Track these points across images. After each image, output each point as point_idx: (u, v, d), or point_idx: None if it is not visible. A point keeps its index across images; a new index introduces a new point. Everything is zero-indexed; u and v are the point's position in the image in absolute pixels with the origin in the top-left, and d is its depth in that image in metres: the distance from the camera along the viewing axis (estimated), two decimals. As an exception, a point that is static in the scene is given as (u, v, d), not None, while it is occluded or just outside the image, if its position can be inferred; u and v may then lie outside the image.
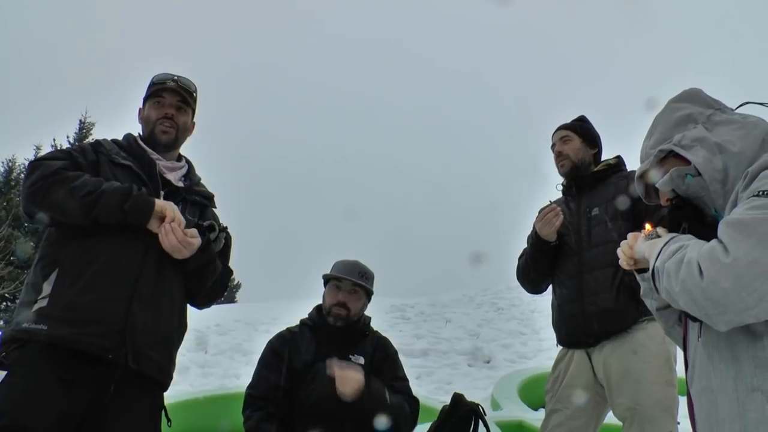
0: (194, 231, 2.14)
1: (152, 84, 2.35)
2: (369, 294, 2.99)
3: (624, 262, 1.69)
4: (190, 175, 2.40)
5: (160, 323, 2.10)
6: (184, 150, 2.47)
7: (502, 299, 11.90)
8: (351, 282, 2.92)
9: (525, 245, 3.06)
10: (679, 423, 2.63)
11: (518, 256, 3.10)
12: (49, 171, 1.98)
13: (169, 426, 2.18)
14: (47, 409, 1.81)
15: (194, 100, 2.40)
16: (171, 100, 2.32)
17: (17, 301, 2.20)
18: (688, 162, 1.55)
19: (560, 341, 2.90)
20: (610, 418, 2.87)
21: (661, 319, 1.74)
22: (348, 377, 2.52)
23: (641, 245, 1.60)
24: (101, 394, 1.91)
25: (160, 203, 2.08)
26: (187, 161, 2.45)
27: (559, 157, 2.95)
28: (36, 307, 1.92)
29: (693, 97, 1.68)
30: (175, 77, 2.33)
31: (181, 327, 2.25)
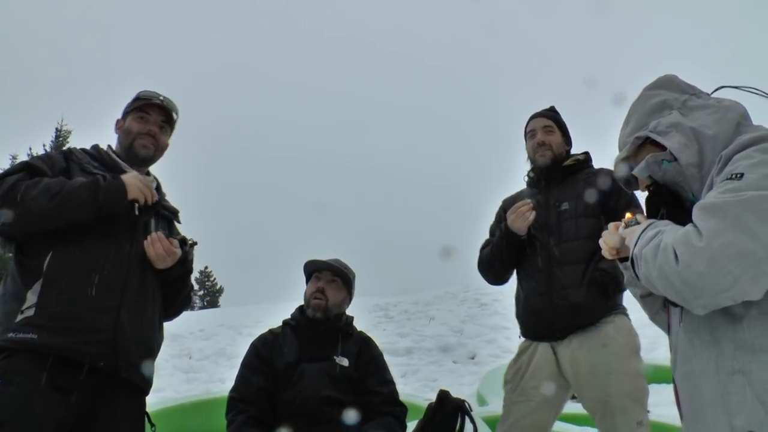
0: (176, 242, 2.19)
1: (137, 98, 2.34)
2: (349, 286, 2.97)
3: (606, 252, 1.69)
4: (158, 188, 2.40)
5: (145, 332, 2.11)
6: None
7: (485, 295, 11.92)
8: (330, 271, 2.91)
9: (487, 236, 3.05)
10: (649, 411, 2.67)
11: (480, 247, 3.06)
12: (6, 188, 1.94)
13: (153, 430, 2.17)
14: (45, 417, 1.81)
15: (175, 122, 2.41)
16: (156, 118, 2.33)
17: None
18: (664, 148, 1.55)
19: (524, 334, 2.90)
20: (571, 407, 2.90)
21: (645, 306, 1.74)
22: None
23: (621, 233, 1.60)
24: (91, 401, 1.92)
25: (128, 180, 2.09)
26: (155, 177, 2.44)
27: (542, 146, 2.89)
28: (21, 317, 1.90)
29: (668, 83, 1.68)
30: (161, 97, 2.34)
31: (161, 335, 2.26)
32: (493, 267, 2.95)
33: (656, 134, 1.58)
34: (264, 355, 2.79)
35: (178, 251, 2.19)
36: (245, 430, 2.60)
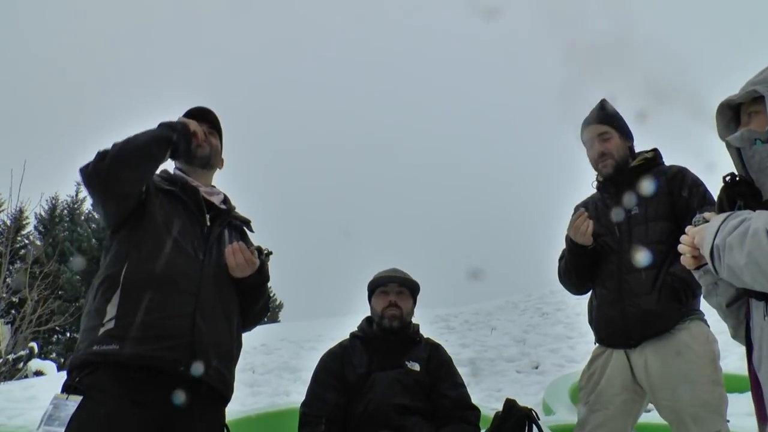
0: (255, 251, 2.27)
1: (185, 114, 2.43)
2: (414, 294, 2.98)
3: (688, 261, 1.60)
4: (227, 201, 2.48)
5: (222, 337, 2.16)
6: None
7: (547, 304, 11.75)
8: (397, 283, 2.93)
9: (563, 246, 2.94)
10: (728, 421, 2.55)
11: (558, 258, 3.01)
12: (98, 156, 2.07)
13: None
14: None
15: (219, 125, 2.49)
16: (201, 125, 2.40)
17: (79, 332, 2.24)
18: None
19: (598, 340, 2.83)
20: (646, 417, 2.80)
21: (730, 316, 1.63)
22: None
23: (690, 233, 1.54)
24: (170, 411, 1.96)
25: (180, 121, 2.27)
26: (222, 192, 2.52)
27: (602, 157, 2.78)
28: (102, 330, 1.97)
29: None
30: (204, 107, 2.46)
31: (239, 343, 2.30)
32: (570, 278, 2.91)
33: None
34: (334, 369, 2.81)
35: (257, 261, 2.26)
36: None
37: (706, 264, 1.53)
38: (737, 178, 1.52)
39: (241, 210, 2.54)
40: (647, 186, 2.68)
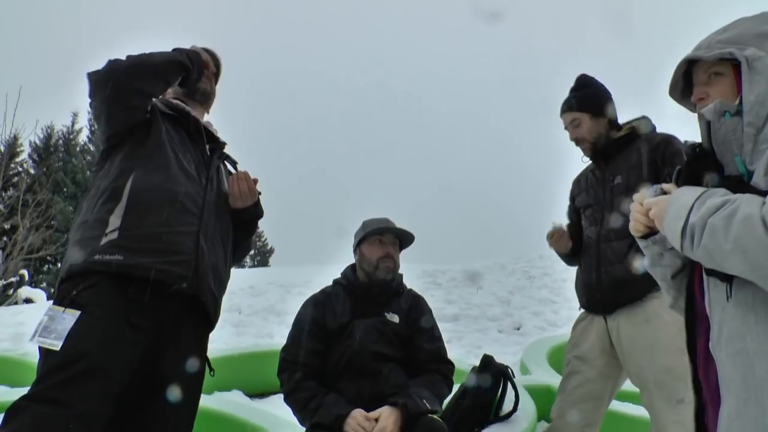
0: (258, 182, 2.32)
1: None
2: (403, 247, 2.99)
3: (639, 228, 1.56)
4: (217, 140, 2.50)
5: (219, 261, 2.18)
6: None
7: (535, 267, 11.87)
8: (394, 234, 2.92)
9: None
10: None
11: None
12: (116, 58, 2.09)
13: (212, 375, 2.23)
14: (121, 354, 1.86)
15: (220, 70, 2.51)
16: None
17: (71, 241, 2.22)
18: (737, 89, 1.42)
19: (581, 306, 2.92)
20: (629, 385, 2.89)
21: (673, 287, 1.62)
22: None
23: (646, 203, 1.49)
24: (161, 336, 1.98)
25: (197, 49, 2.32)
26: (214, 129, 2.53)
27: (577, 143, 2.86)
28: (105, 240, 1.94)
29: None
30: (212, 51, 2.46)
31: (229, 273, 2.32)
32: (562, 260, 3.10)
33: (748, 66, 1.40)
34: (315, 316, 2.81)
35: (258, 192, 2.32)
36: (304, 384, 2.64)
37: (655, 234, 1.51)
38: (703, 151, 1.47)
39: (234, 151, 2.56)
40: (633, 156, 2.73)
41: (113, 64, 2.06)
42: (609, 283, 2.67)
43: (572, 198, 3.04)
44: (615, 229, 2.68)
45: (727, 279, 1.33)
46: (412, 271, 10.48)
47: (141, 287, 1.93)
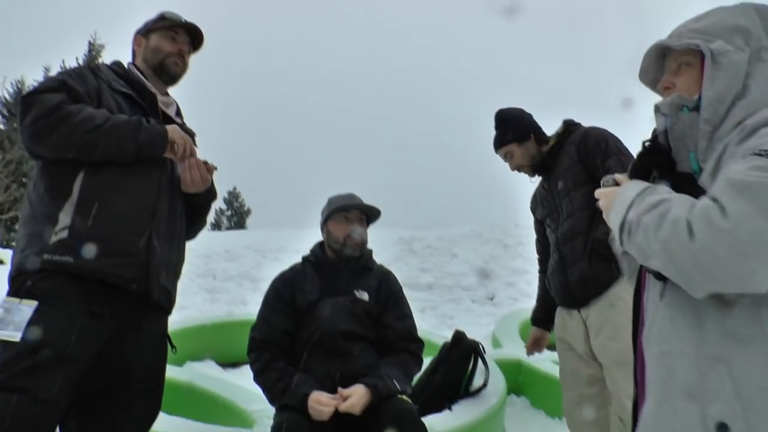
0: (211, 168, 2.23)
1: (163, 17, 2.33)
2: (370, 222, 2.99)
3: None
4: (179, 113, 2.41)
5: (172, 254, 2.15)
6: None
7: (510, 237, 11.91)
8: (359, 210, 2.91)
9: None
10: None
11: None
12: (49, 107, 1.93)
13: (174, 352, 2.23)
14: (84, 342, 1.85)
15: (200, 46, 2.42)
16: (184, 38, 2.34)
17: (20, 234, 2.14)
18: (697, 78, 1.38)
19: (558, 304, 3.00)
20: None
21: (625, 260, 1.57)
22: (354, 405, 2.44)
23: (596, 194, 1.47)
24: (119, 325, 1.96)
25: (171, 130, 2.09)
26: (174, 101, 2.44)
27: (519, 170, 3.04)
28: (55, 239, 1.90)
29: (766, 18, 1.40)
30: (187, 20, 2.34)
31: (184, 258, 2.30)
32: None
33: (712, 60, 1.36)
34: (285, 295, 2.79)
35: (210, 179, 2.24)
36: (273, 364, 2.64)
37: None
38: (657, 146, 1.43)
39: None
40: (564, 159, 2.88)
41: (47, 116, 1.91)
42: (575, 281, 2.77)
43: (533, 212, 3.18)
44: (568, 230, 2.80)
45: (662, 278, 1.30)
46: (388, 237, 10.50)
47: (96, 283, 1.91)
